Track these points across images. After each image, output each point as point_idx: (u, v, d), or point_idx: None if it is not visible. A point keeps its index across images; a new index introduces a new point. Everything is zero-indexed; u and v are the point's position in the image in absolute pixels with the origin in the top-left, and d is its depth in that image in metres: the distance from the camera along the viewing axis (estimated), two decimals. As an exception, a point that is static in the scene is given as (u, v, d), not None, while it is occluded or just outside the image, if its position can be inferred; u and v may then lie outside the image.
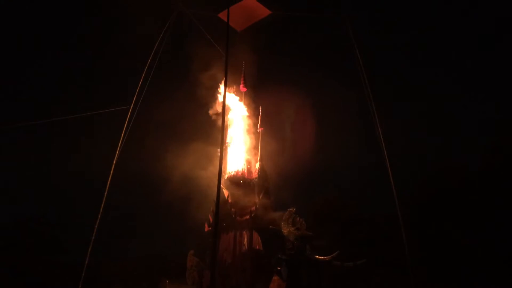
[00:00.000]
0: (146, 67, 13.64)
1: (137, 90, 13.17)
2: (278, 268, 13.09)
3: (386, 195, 13.91)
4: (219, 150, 8.85)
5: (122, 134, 12.98)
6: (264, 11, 15.14)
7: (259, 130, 16.54)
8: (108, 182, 12.48)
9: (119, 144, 12.83)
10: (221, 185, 8.63)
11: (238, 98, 17.40)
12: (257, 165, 16.09)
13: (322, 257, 13.09)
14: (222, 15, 14.21)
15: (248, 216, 14.63)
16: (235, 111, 17.28)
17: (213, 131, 15.93)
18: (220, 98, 16.20)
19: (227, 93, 12.20)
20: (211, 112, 16.43)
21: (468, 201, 23.15)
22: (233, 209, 14.87)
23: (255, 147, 16.52)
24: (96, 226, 11.81)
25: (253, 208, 14.76)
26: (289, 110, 19.33)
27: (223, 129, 9.18)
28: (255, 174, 15.97)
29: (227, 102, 12.86)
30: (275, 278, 13.00)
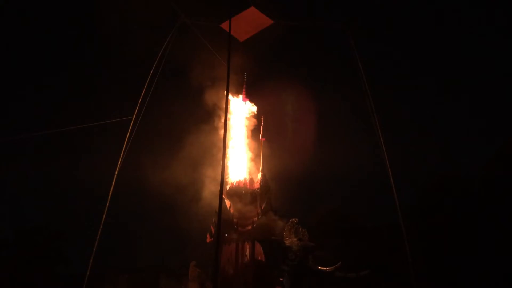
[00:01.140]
0: (149, 78, 13.70)
1: (139, 100, 13.20)
2: (281, 279, 13.01)
3: (389, 205, 13.87)
4: (221, 160, 8.81)
5: (124, 144, 12.99)
6: (266, 21, 15.20)
7: (261, 140, 16.54)
8: (110, 192, 12.47)
9: (121, 154, 12.83)
10: (223, 196, 8.57)
11: (239, 106, 17.45)
12: (259, 175, 16.05)
13: (325, 268, 13.01)
14: (225, 26, 14.27)
15: (250, 227, 14.56)
16: (237, 120, 17.30)
17: (214, 140, 15.96)
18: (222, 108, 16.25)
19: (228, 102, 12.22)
20: (212, 121, 16.49)
21: (469, 208, 23.06)
22: (235, 220, 14.81)
23: (257, 157, 16.52)
24: (97, 237, 11.77)
25: (255, 218, 14.70)
26: (291, 119, 19.36)
27: (225, 139, 9.14)
28: (257, 184, 15.92)
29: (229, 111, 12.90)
30: (278, 289, 12.93)
